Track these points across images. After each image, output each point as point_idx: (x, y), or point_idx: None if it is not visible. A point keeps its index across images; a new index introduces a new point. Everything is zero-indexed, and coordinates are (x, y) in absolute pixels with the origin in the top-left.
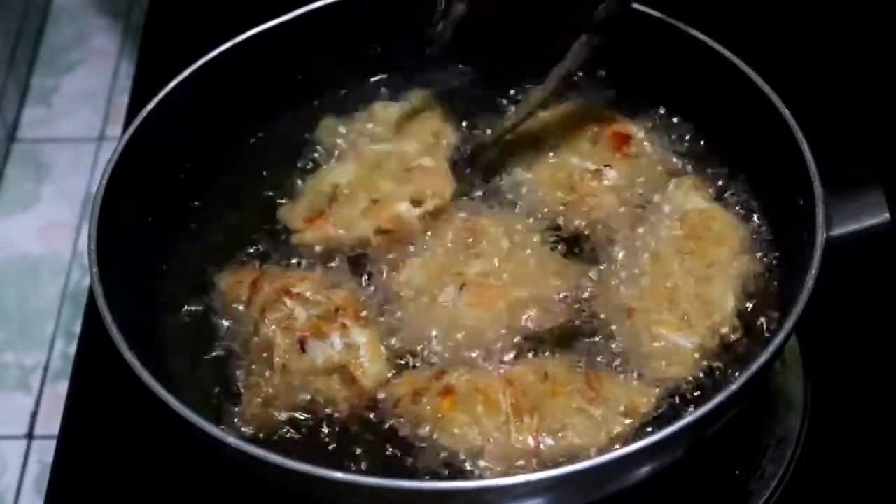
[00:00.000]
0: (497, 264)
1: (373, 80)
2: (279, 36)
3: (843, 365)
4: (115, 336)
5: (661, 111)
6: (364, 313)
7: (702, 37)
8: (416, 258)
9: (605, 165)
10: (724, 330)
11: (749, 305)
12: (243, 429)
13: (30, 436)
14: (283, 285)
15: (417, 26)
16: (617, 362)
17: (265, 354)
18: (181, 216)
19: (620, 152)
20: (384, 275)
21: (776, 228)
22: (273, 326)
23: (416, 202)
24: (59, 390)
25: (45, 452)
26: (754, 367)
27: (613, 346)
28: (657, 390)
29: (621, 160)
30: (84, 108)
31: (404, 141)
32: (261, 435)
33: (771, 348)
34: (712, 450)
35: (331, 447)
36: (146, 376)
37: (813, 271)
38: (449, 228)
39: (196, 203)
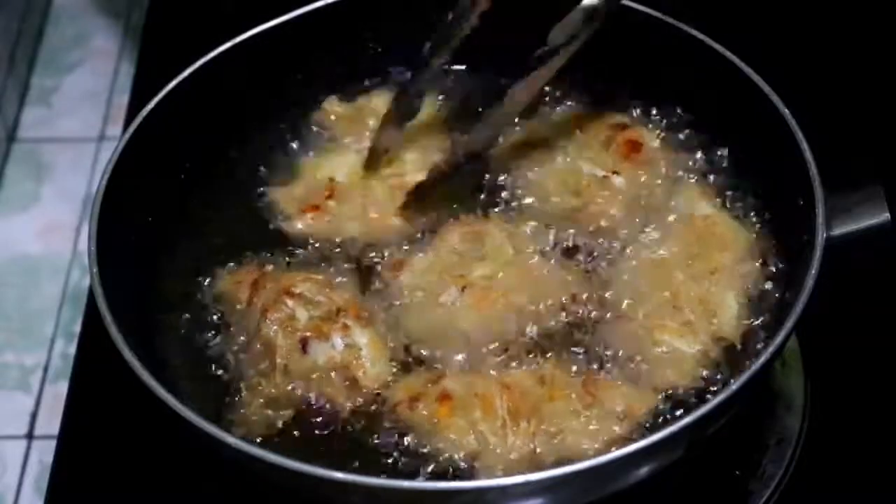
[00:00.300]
0: (500, 268)
1: (373, 80)
2: (279, 36)
3: (843, 365)
4: (115, 336)
5: (662, 114)
6: (365, 314)
7: (701, 36)
8: (420, 259)
9: (613, 172)
10: (727, 335)
11: (750, 307)
12: (244, 429)
13: (30, 436)
14: (285, 286)
15: (417, 26)
16: (618, 368)
17: (266, 355)
18: (181, 216)
19: (630, 159)
20: (386, 275)
21: (776, 229)
22: (275, 327)
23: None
24: (59, 390)
25: (45, 452)
26: (754, 367)
27: (615, 351)
28: (655, 395)
29: (630, 167)
30: (84, 108)
31: (404, 146)
32: (262, 435)
33: (771, 348)
34: (712, 450)
35: (331, 448)
36: (146, 376)
37: (813, 271)
38: (453, 231)
39: (196, 203)
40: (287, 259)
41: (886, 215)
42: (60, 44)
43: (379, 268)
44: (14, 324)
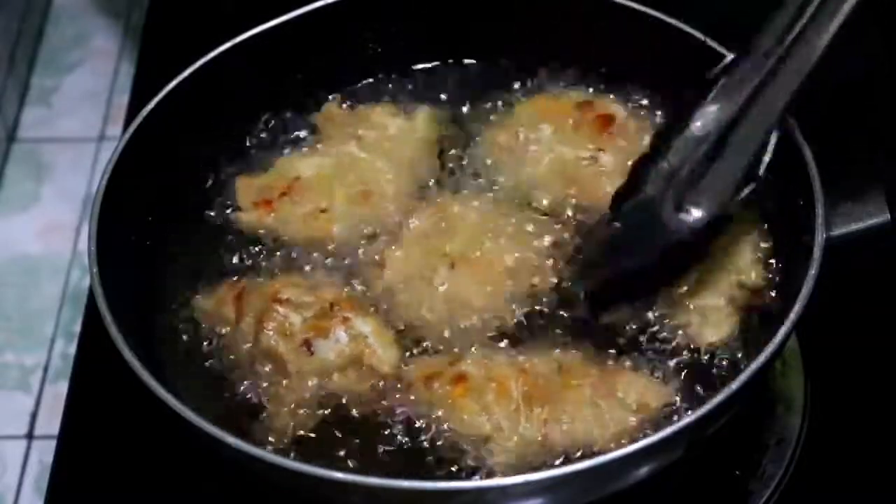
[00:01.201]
0: (481, 240)
1: (373, 80)
2: (279, 36)
3: (843, 365)
4: (115, 336)
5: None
6: (362, 304)
7: (701, 36)
8: (396, 252)
9: (599, 150)
10: (749, 281)
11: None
12: (276, 437)
13: (30, 436)
14: (270, 294)
15: (417, 26)
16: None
17: (275, 364)
18: (181, 216)
19: (607, 133)
20: (368, 274)
21: (776, 229)
22: (273, 335)
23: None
24: (59, 390)
25: (45, 452)
26: (754, 366)
27: (638, 321)
28: (670, 387)
29: (610, 142)
30: (84, 108)
31: (383, 157)
32: (296, 439)
33: (771, 348)
34: (712, 450)
35: (360, 441)
36: (146, 376)
37: (813, 271)
38: (420, 216)
39: (196, 203)
40: (273, 263)
41: (886, 215)
42: (60, 44)
43: (360, 265)
44: (14, 324)
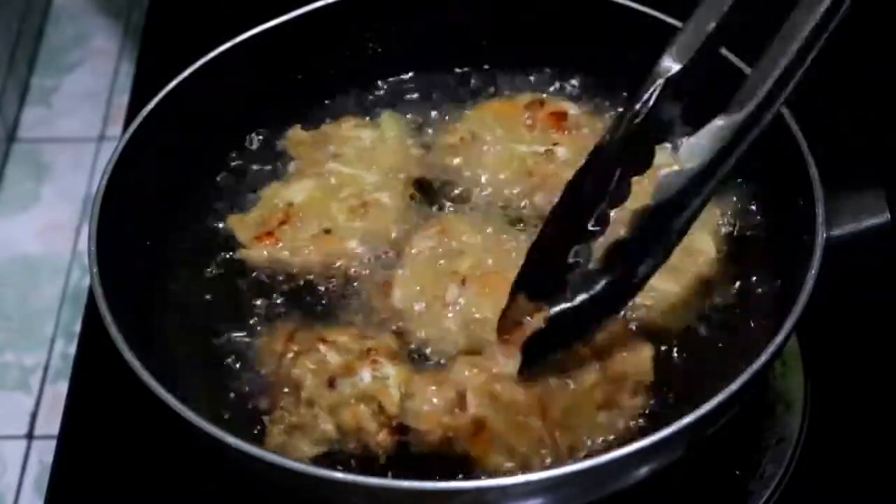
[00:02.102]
0: (485, 253)
1: (373, 81)
2: (279, 36)
3: (843, 365)
4: (115, 336)
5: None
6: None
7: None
8: (402, 272)
9: (554, 144)
10: (709, 275)
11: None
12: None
13: (30, 436)
14: (320, 336)
15: (417, 26)
16: None
17: (288, 389)
18: (181, 216)
19: (560, 129)
20: (376, 297)
21: (776, 229)
22: (301, 369)
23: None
24: (59, 390)
25: (45, 452)
26: (754, 366)
27: None
28: (648, 349)
29: (565, 137)
30: (84, 108)
31: (366, 167)
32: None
33: (771, 348)
34: (712, 450)
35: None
36: (146, 376)
37: (813, 271)
38: (421, 238)
39: (196, 203)
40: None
41: (886, 215)
42: (60, 44)
43: (367, 288)
44: (14, 324)
